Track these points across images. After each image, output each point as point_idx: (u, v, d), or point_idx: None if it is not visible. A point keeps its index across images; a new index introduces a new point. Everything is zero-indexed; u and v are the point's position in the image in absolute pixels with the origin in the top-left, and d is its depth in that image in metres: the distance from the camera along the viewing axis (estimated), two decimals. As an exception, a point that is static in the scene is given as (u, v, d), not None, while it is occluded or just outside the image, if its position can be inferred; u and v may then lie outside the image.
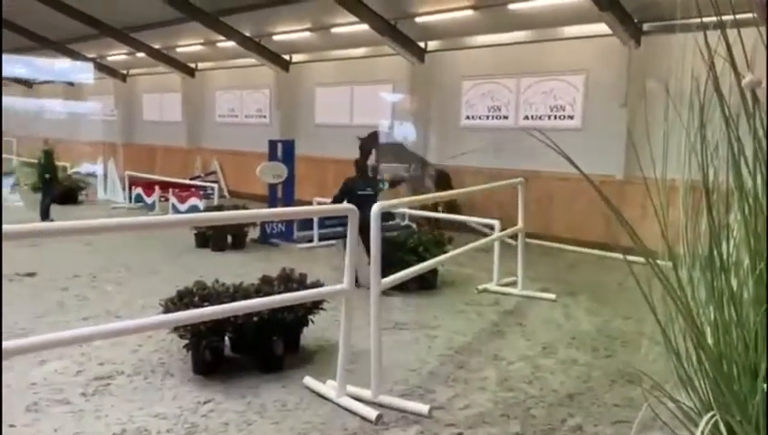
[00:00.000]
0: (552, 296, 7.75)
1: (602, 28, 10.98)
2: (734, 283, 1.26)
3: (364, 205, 8.57)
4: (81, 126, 21.41)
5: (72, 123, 21.58)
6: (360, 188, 8.44)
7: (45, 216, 13.11)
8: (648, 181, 2.05)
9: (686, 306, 1.28)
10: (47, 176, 13.35)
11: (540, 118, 12.40)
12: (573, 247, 11.05)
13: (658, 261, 2.09)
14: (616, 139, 11.10)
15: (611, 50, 11.19)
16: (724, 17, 1.72)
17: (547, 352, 5.86)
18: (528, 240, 8.75)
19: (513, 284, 8.07)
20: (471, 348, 5.96)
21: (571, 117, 12.02)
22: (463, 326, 6.60)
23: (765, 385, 1.13)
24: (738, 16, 1.75)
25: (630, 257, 2.43)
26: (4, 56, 18.80)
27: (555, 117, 12.23)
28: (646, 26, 10.93)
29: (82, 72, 18.49)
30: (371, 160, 10.97)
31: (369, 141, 14.18)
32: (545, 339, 6.24)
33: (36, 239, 9.43)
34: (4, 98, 28.99)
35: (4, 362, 5.04)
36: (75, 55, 21.53)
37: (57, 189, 14.58)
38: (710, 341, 1.28)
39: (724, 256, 1.26)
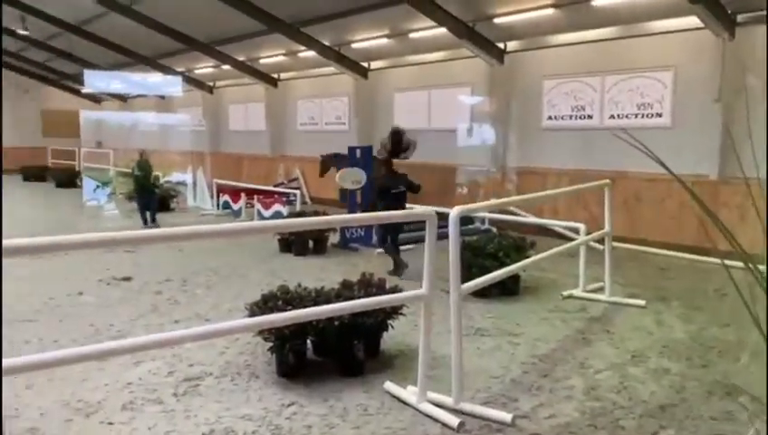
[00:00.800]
0: (642, 303, 7.42)
1: (692, 21, 10.44)
2: None
3: (396, 202, 8.93)
4: (171, 137, 22.50)
5: (163, 134, 22.70)
6: (393, 187, 9.02)
7: (152, 221, 13.97)
8: (750, 181, 1.91)
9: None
10: (149, 184, 14.21)
11: (626, 117, 11.93)
12: (664, 251, 10.56)
13: (761, 266, 1.95)
14: (709, 136, 10.53)
15: (702, 43, 10.62)
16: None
17: (637, 361, 5.61)
18: (615, 244, 8.43)
19: (600, 289, 7.78)
20: (556, 356, 5.78)
21: (659, 115, 11.49)
22: (547, 333, 6.42)
23: None
24: None
25: (728, 262, 2.28)
26: (103, 72, 20.03)
27: (643, 115, 11.72)
28: (740, 17, 10.30)
29: (172, 86, 19.41)
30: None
31: (329, 161, 15.00)
32: (635, 347, 5.97)
33: (133, 245, 9.97)
34: (103, 112, 31.02)
35: (102, 362, 5.35)
36: (165, 70, 22.65)
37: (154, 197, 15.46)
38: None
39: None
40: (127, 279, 8.80)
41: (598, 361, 5.62)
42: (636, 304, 7.42)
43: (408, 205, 9.56)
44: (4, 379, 4.74)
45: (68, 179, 23.09)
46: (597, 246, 8.67)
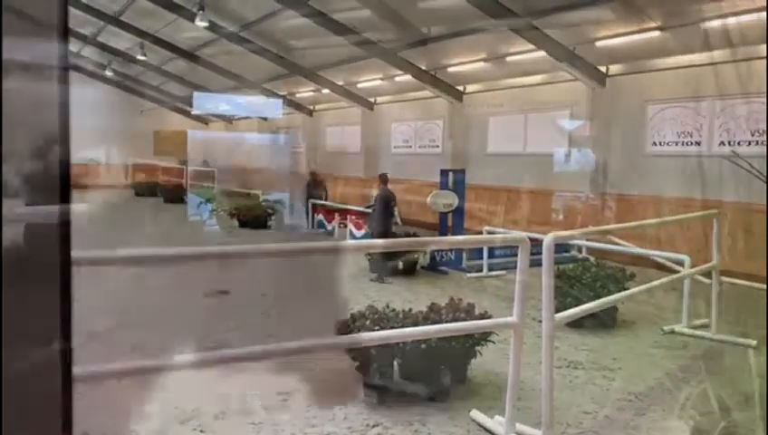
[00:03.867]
0: (753, 343, 6.87)
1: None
2: None
3: (389, 214, 10.65)
4: (272, 157, 23.36)
5: (265, 155, 23.62)
6: (390, 200, 10.70)
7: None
8: None
9: None
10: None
11: (738, 144, 11.22)
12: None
13: None
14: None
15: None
16: None
17: (748, 406, 5.19)
18: (723, 278, 7.90)
19: (706, 326, 7.30)
20: (654, 394, 5.46)
21: (775, 142, 10.74)
22: (645, 370, 6.08)
23: None
24: None
25: None
26: (211, 95, 21.16)
27: (757, 142, 10.99)
28: None
29: (274, 108, 20.26)
30: None
31: None
32: (745, 390, 5.52)
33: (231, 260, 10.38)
34: (211, 132, 32.77)
35: (198, 371, 5.56)
36: (268, 93, 23.65)
37: (246, 214, 16.33)
38: None
39: None
40: (225, 292, 9.15)
41: (701, 402, 5.25)
42: (745, 343, 6.88)
43: (502, 229, 9.67)
44: (110, 382, 5.03)
45: (175, 195, 24.40)
46: (703, 279, 8.15)
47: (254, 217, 16.94)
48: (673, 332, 7.30)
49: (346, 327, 5.25)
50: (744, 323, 7.83)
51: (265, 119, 26.90)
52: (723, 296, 7.47)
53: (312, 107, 25.41)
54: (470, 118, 17.45)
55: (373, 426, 4.67)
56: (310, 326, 7.38)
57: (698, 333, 7.22)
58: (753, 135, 11.03)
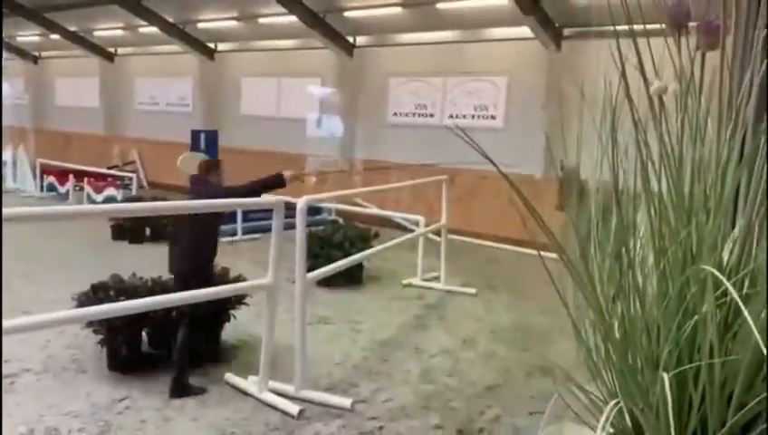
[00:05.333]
0: (473, 291, 7.93)
1: (524, 31, 11.30)
2: (639, 278, 1.34)
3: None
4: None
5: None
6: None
7: None
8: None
9: (595, 301, 1.36)
10: None
11: (464, 117, 12.63)
12: (492, 243, 11.30)
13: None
14: (535, 138, 11.42)
15: (531, 53, 11.53)
16: None
17: (467, 346, 6.01)
18: (451, 236, 8.91)
19: (436, 278, 8.21)
20: (395, 342, 6.03)
21: (493, 117, 12.32)
22: (387, 320, 6.67)
23: (666, 375, 1.22)
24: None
25: (545, 254, 2.52)
26: None
27: (479, 117, 12.51)
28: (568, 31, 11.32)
29: (-11, 52, 17.38)
30: None
31: None
32: (466, 333, 6.38)
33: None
34: None
35: None
36: (-19, 33, 20.20)
37: None
38: (617, 334, 1.37)
39: (632, 254, 1.34)
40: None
41: (432, 346, 5.94)
42: (467, 292, 7.92)
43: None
44: None
45: None
46: (435, 237, 9.13)
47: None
48: (411, 285, 8.09)
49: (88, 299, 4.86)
50: (467, 274, 8.98)
51: (-24, 64, 23.01)
52: (450, 252, 8.46)
53: (37, 54, 22.36)
54: (223, 77, 16.94)
55: (121, 399, 4.44)
56: (41, 301, 6.66)
57: (430, 284, 8.10)
58: (475, 110, 12.50)
